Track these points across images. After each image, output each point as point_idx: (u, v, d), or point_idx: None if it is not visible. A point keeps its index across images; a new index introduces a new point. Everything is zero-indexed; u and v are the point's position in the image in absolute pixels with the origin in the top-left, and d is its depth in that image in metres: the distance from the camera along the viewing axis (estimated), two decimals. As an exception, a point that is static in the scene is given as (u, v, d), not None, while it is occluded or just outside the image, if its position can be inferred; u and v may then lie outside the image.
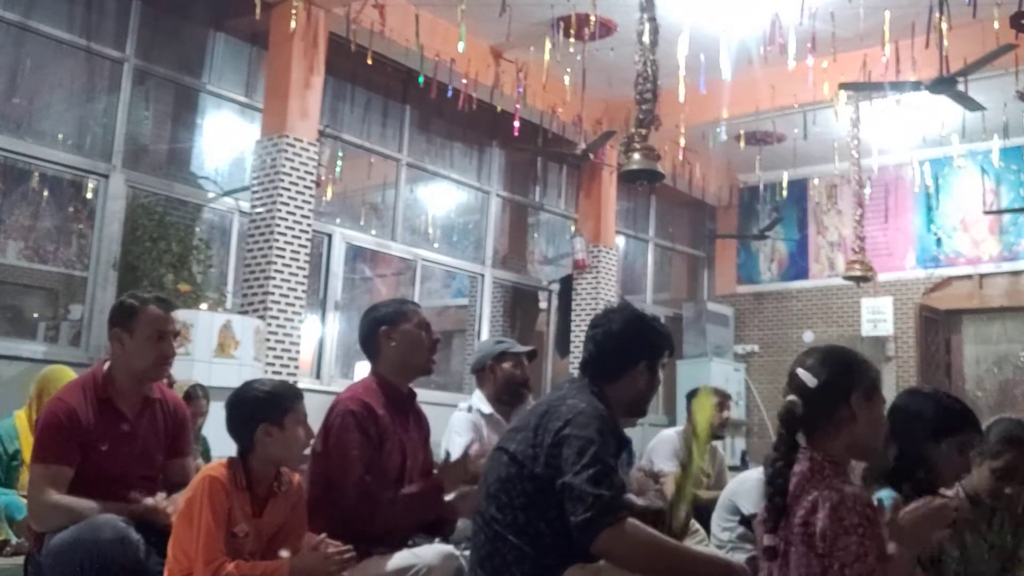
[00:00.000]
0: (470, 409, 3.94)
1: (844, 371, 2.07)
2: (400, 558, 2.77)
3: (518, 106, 8.34)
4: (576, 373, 2.71)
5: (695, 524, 4.18)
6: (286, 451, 2.70)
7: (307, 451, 2.92)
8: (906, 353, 10.55)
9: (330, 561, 2.56)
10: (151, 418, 2.99)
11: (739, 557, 3.63)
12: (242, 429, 2.69)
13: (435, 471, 3.18)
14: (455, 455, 3.69)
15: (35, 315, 7.05)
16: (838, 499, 1.89)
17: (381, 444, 2.93)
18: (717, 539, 4.20)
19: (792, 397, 2.06)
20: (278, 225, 6.76)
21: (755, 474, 4.30)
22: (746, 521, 4.16)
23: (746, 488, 4.22)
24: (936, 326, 10.67)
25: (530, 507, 2.33)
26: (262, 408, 2.69)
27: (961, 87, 6.94)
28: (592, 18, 7.51)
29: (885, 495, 2.57)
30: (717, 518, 4.31)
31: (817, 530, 1.89)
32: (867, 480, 2.71)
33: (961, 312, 10.68)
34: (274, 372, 6.50)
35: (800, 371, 2.08)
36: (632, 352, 2.55)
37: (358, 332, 3.18)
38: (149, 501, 2.79)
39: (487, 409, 3.92)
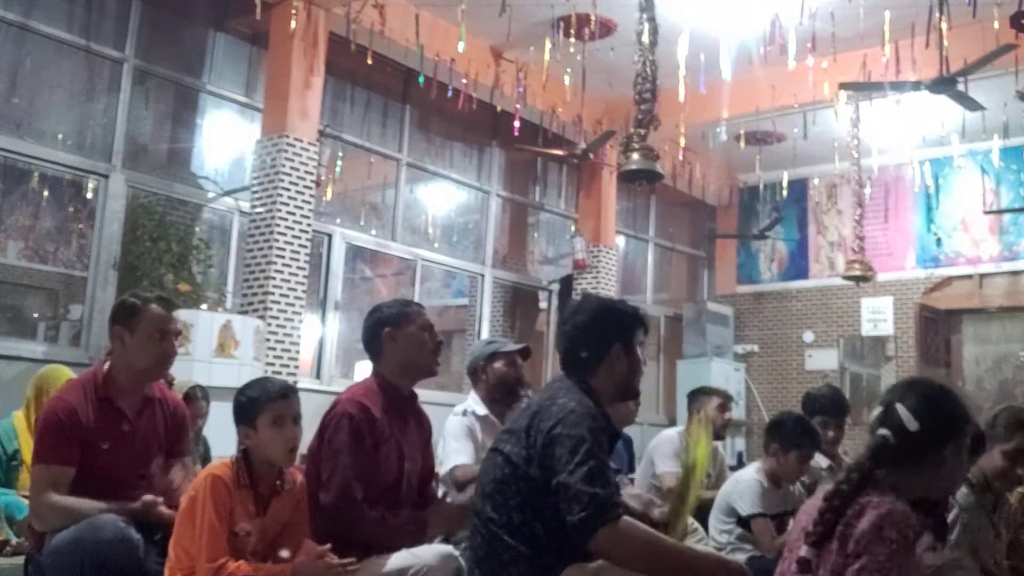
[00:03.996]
0: (465, 413, 3.93)
1: (947, 421, 2.02)
2: (399, 558, 2.77)
3: (518, 106, 8.34)
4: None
5: (695, 523, 4.18)
6: (265, 452, 2.69)
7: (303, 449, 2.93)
8: (906, 353, 10.55)
9: (333, 571, 2.55)
10: (151, 417, 2.99)
11: (739, 558, 3.63)
12: (235, 426, 2.73)
13: (433, 484, 3.18)
14: (450, 463, 3.70)
15: (35, 315, 7.05)
16: (886, 511, 1.89)
17: (377, 448, 2.92)
18: (715, 541, 4.19)
19: (886, 432, 2.00)
20: (278, 225, 6.76)
21: (749, 473, 4.30)
22: (744, 522, 4.16)
23: (740, 488, 4.20)
24: (936, 326, 10.67)
25: (526, 507, 2.33)
26: (239, 411, 2.72)
27: (961, 87, 6.93)
28: (592, 18, 7.51)
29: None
30: (714, 520, 4.29)
31: (856, 531, 1.89)
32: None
33: (961, 312, 10.68)
34: (274, 372, 6.50)
35: (900, 408, 2.02)
36: (604, 338, 2.55)
37: (361, 332, 3.18)
38: (148, 497, 2.79)
39: (482, 411, 3.92)
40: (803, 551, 1.93)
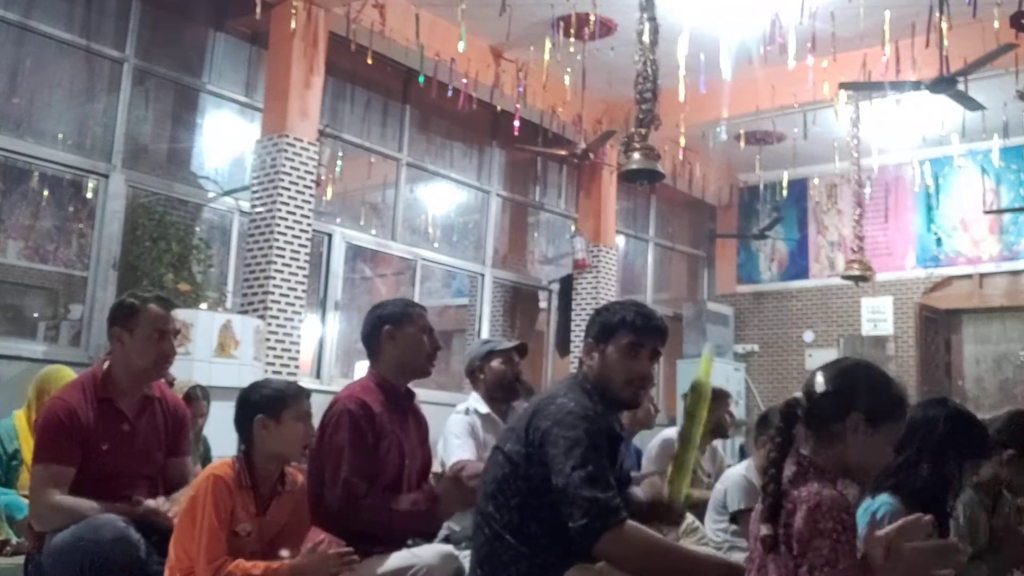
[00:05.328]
0: (467, 411, 3.94)
1: (851, 389, 2.01)
2: (399, 558, 2.77)
3: (518, 106, 8.34)
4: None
5: (695, 522, 4.20)
6: (282, 446, 2.73)
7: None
8: (906, 353, 10.55)
9: (330, 562, 2.56)
10: (151, 417, 2.99)
11: (736, 557, 3.63)
12: (243, 421, 2.75)
13: (432, 480, 3.17)
14: (452, 459, 3.69)
15: (35, 315, 7.05)
16: (815, 502, 1.88)
17: (377, 444, 2.93)
18: (712, 541, 4.20)
19: (799, 395, 2.03)
20: (278, 225, 6.76)
21: (738, 470, 4.32)
22: (735, 519, 4.17)
23: (729, 485, 4.25)
24: (936, 326, 10.67)
25: (524, 507, 2.33)
26: (261, 402, 2.75)
27: (961, 87, 6.94)
28: (592, 18, 7.51)
29: (883, 501, 2.56)
30: (709, 519, 4.31)
31: (794, 530, 1.89)
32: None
33: (961, 312, 10.68)
34: (274, 372, 6.50)
35: (818, 373, 2.05)
36: (587, 334, 2.52)
37: (362, 328, 3.19)
38: (150, 503, 2.79)
39: (484, 410, 3.93)
40: (762, 530, 1.93)
